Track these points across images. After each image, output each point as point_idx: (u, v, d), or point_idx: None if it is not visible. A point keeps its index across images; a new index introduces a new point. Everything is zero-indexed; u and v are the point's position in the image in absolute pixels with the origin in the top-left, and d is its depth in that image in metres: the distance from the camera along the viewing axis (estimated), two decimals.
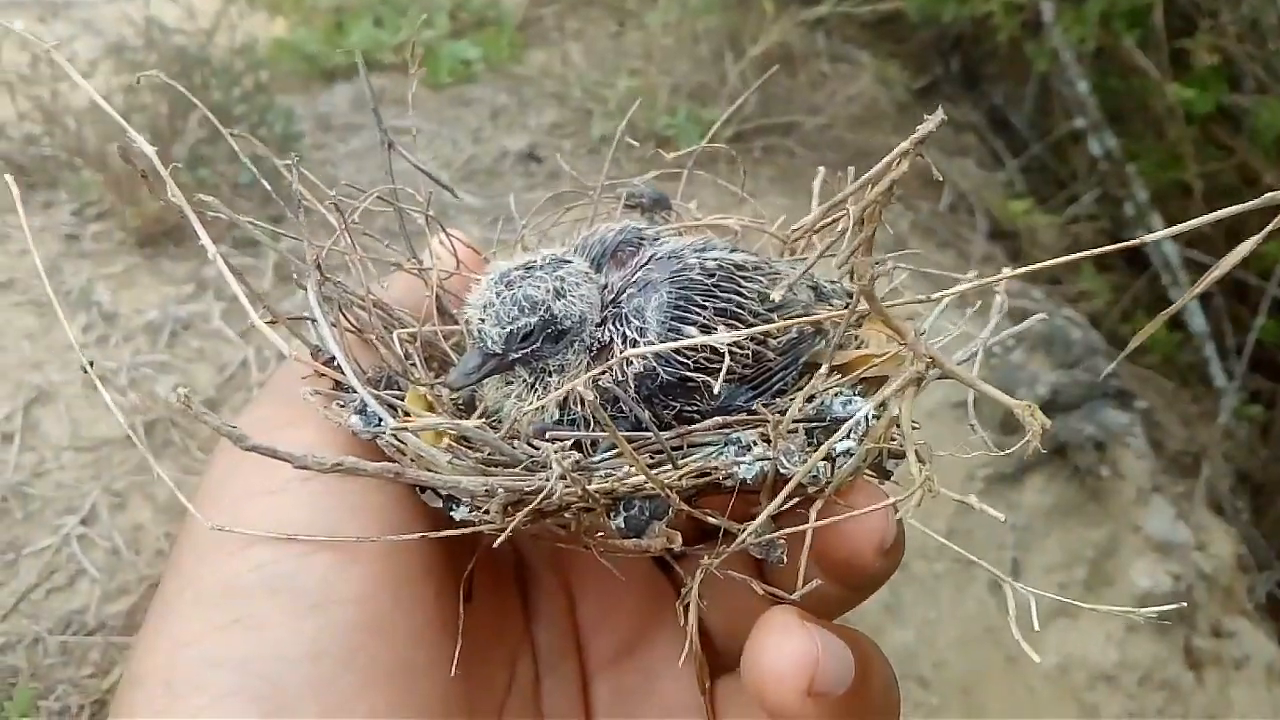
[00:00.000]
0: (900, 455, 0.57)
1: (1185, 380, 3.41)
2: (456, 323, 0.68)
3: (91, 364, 0.53)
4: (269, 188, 0.68)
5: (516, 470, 0.55)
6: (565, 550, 0.59)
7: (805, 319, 0.61)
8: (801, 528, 0.54)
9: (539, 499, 0.52)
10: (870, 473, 0.57)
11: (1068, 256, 0.52)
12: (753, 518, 0.55)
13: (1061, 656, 2.31)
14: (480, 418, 0.62)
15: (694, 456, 0.56)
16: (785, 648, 0.51)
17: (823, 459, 0.54)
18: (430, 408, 0.61)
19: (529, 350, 0.61)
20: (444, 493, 0.55)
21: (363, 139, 2.90)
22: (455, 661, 0.54)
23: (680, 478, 0.55)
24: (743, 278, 0.62)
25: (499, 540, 0.52)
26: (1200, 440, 3.06)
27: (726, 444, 0.57)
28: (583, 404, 0.59)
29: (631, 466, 0.53)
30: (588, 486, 0.52)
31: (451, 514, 0.55)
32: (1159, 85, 3.30)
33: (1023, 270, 0.51)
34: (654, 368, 0.59)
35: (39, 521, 1.79)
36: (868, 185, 0.49)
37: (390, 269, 0.70)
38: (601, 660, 0.67)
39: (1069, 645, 2.32)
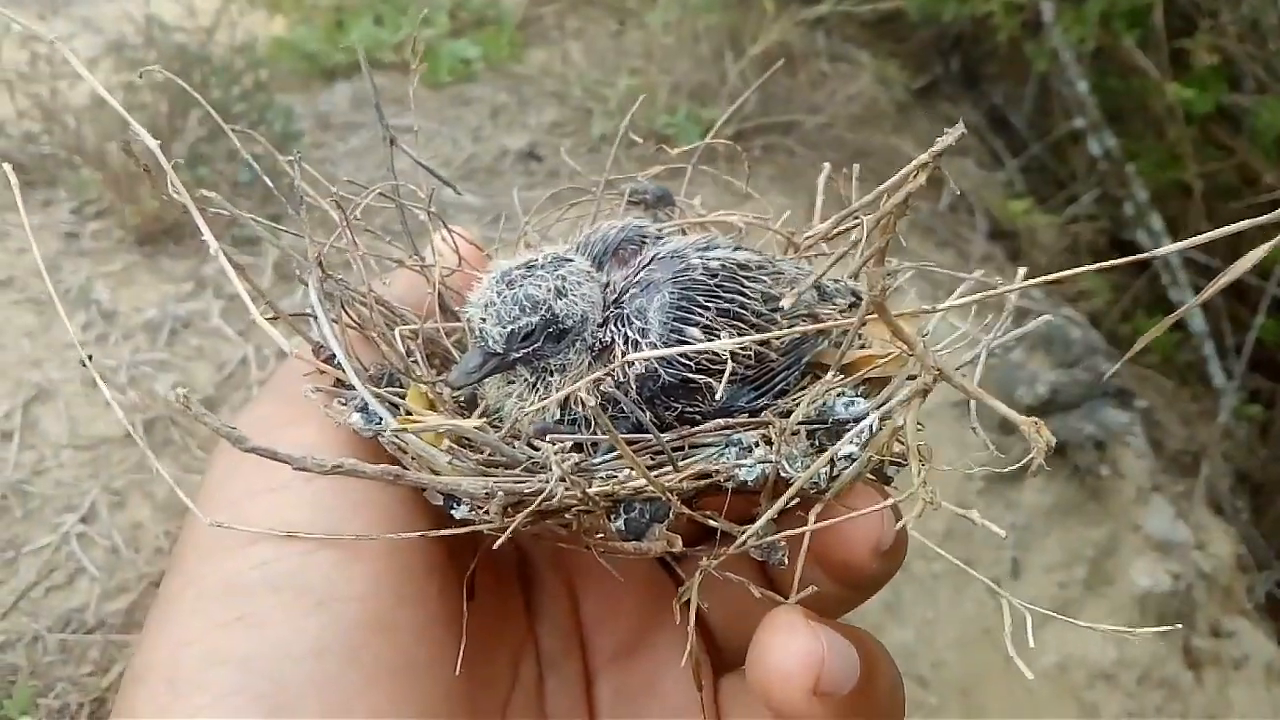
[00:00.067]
0: (901, 462, 0.57)
1: (1185, 379, 3.41)
2: (458, 320, 0.67)
3: (90, 358, 0.53)
4: (270, 185, 0.68)
5: (517, 471, 0.55)
6: (567, 549, 0.59)
7: (811, 327, 0.61)
8: (800, 530, 0.54)
9: (539, 501, 0.52)
10: (871, 477, 0.57)
11: (1081, 269, 0.51)
12: (753, 518, 0.55)
13: (1061, 655, 2.31)
14: (481, 416, 0.62)
15: (695, 458, 0.56)
16: (791, 647, 0.51)
17: (825, 464, 0.54)
18: (431, 405, 0.61)
19: (530, 349, 0.61)
20: (444, 492, 0.55)
21: (362, 138, 2.89)
22: (459, 660, 0.54)
23: (681, 480, 0.55)
24: (746, 277, 0.62)
25: (499, 542, 0.52)
26: (1200, 440, 3.06)
27: (728, 446, 0.57)
28: (584, 405, 0.59)
29: (632, 469, 0.53)
30: (588, 489, 0.52)
31: (452, 512, 0.55)
32: (1159, 85, 3.30)
33: (1038, 281, 0.51)
34: (656, 369, 0.59)
35: (38, 519, 1.79)
36: (883, 196, 0.48)
37: (392, 266, 0.70)
38: (604, 659, 0.67)
39: (1068, 644, 2.32)
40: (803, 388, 0.62)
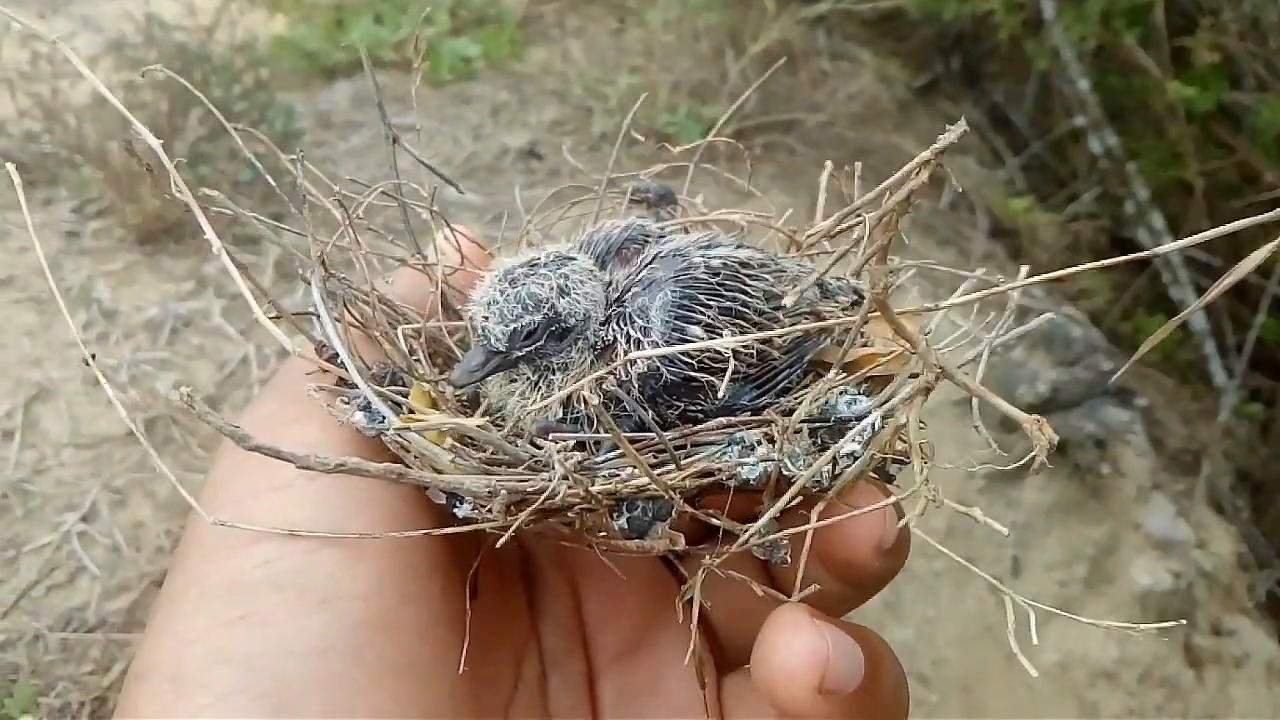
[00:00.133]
0: (903, 460, 0.57)
1: (1185, 378, 3.41)
2: (461, 318, 0.67)
3: (94, 357, 0.53)
4: (273, 184, 0.68)
5: (520, 470, 0.55)
6: (570, 547, 0.59)
7: (814, 325, 0.61)
8: (803, 528, 0.54)
9: (542, 499, 0.52)
10: (873, 475, 0.57)
11: (1082, 267, 0.51)
12: (755, 517, 0.55)
13: (1062, 654, 2.31)
14: (484, 415, 0.62)
15: (697, 456, 0.56)
16: (795, 645, 0.51)
17: (827, 463, 0.54)
18: (434, 404, 0.61)
19: (533, 348, 0.61)
20: (447, 490, 0.55)
21: (363, 136, 2.89)
22: (463, 658, 0.54)
23: (683, 478, 0.55)
24: (748, 276, 0.62)
25: (502, 540, 0.52)
26: (1200, 438, 3.06)
27: (730, 444, 0.57)
28: (586, 404, 0.59)
29: (635, 468, 0.53)
30: (591, 488, 0.52)
31: (455, 511, 0.55)
32: (1159, 83, 3.30)
33: (1040, 279, 0.51)
34: (658, 367, 0.59)
35: (39, 518, 1.79)
36: (885, 194, 0.48)
37: (394, 265, 0.70)
38: (607, 658, 0.67)
39: (1069, 643, 2.32)
40: (805, 386, 0.62)
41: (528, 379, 0.62)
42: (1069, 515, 2.49)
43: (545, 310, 0.60)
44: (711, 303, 0.60)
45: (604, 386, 0.59)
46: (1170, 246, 0.52)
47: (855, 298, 0.66)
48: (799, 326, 0.62)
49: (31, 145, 2.43)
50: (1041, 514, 2.47)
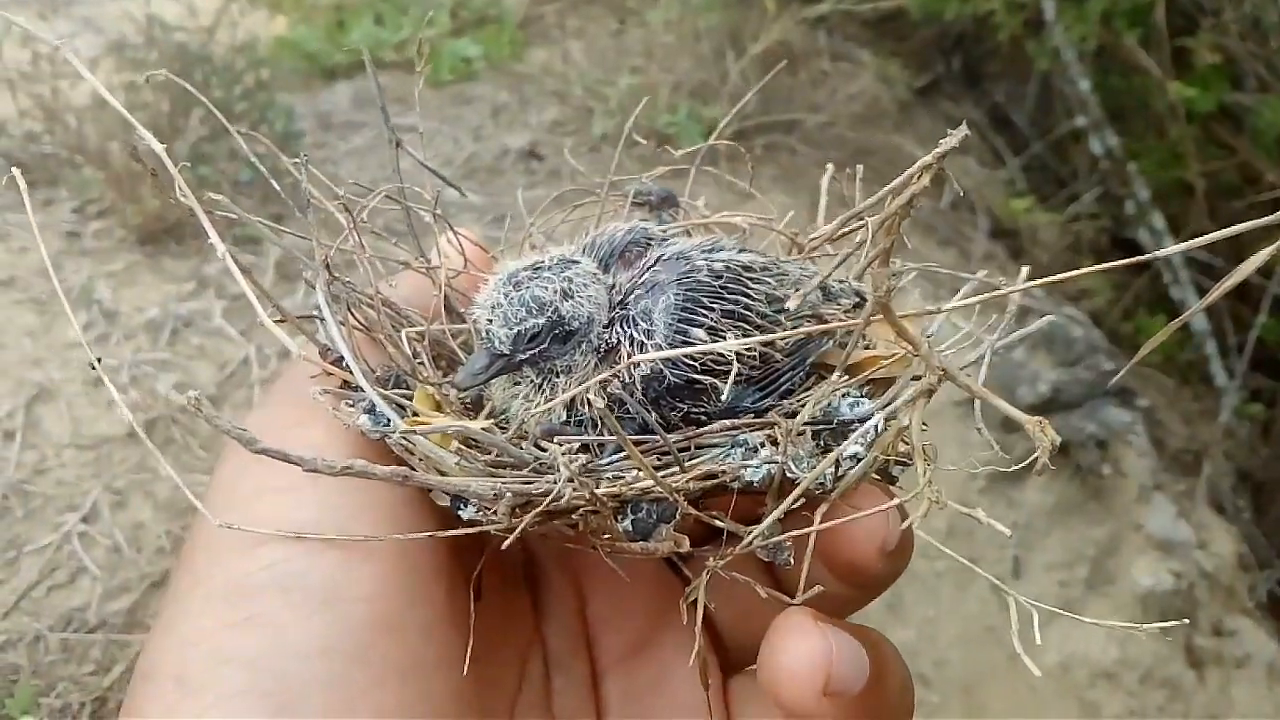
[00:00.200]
0: (906, 462, 0.57)
1: (1186, 378, 3.41)
2: (465, 321, 0.68)
3: (100, 360, 0.53)
4: (276, 186, 0.68)
5: (524, 472, 0.55)
6: (574, 549, 0.59)
7: (816, 328, 0.61)
8: (805, 530, 0.54)
9: (547, 501, 0.52)
10: (876, 477, 0.57)
11: (1084, 269, 0.51)
12: (759, 519, 0.55)
13: (1063, 655, 2.31)
14: (488, 418, 0.62)
15: (701, 459, 0.57)
16: (801, 647, 0.51)
17: (830, 465, 0.54)
18: (438, 407, 0.61)
19: (536, 351, 0.61)
20: (452, 492, 0.55)
21: (363, 137, 2.90)
22: (467, 660, 0.54)
23: (687, 481, 0.55)
24: (750, 279, 0.62)
25: (507, 542, 0.52)
26: (1201, 439, 3.06)
27: (734, 446, 0.57)
28: (590, 406, 0.59)
29: (639, 470, 0.53)
30: (595, 490, 0.52)
31: (459, 513, 0.55)
32: (1160, 84, 3.30)
33: (1041, 281, 0.51)
34: (661, 370, 0.59)
35: (40, 519, 1.79)
36: (887, 198, 0.48)
37: (397, 267, 0.70)
38: (612, 659, 0.67)
39: (1070, 643, 2.32)
40: (808, 388, 0.62)
41: (532, 382, 0.62)
42: (1070, 516, 2.50)
43: (549, 313, 0.60)
44: (715, 305, 0.61)
45: (608, 389, 0.59)
46: (1172, 249, 0.52)
47: (857, 300, 0.66)
48: (802, 329, 0.62)
49: (32, 146, 2.43)
50: (1043, 515, 2.47)
